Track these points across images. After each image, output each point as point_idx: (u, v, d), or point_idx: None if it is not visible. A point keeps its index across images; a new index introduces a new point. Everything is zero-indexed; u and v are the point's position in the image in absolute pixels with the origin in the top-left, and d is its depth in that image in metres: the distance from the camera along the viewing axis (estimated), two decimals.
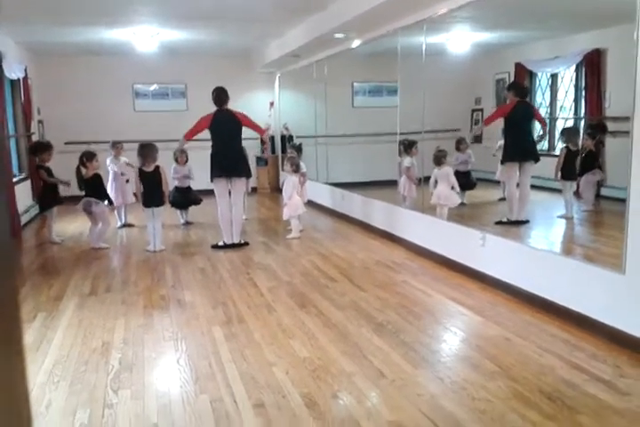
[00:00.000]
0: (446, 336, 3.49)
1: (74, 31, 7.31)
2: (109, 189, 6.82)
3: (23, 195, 7.57)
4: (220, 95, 5.84)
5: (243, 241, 6.06)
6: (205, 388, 2.83)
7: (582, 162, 5.67)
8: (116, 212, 7.26)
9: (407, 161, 6.29)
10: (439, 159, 5.79)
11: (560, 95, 7.20)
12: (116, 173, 7.09)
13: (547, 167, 5.73)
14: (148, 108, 10.10)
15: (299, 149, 7.15)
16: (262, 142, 7.78)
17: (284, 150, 10.05)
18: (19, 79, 7.90)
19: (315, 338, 3.43)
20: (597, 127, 5.98)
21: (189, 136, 5.84)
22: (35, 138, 8.44)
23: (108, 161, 7.16)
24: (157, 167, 5.94)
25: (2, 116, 6.53)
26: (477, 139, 7.26)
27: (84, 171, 6.09)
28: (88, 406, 2.69)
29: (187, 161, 7.29)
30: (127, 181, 7.13)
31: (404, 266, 5.12)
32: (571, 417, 2.48)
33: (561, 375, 2.86)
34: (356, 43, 6.87)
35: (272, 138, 10.66)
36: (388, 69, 6.44)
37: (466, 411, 2.54)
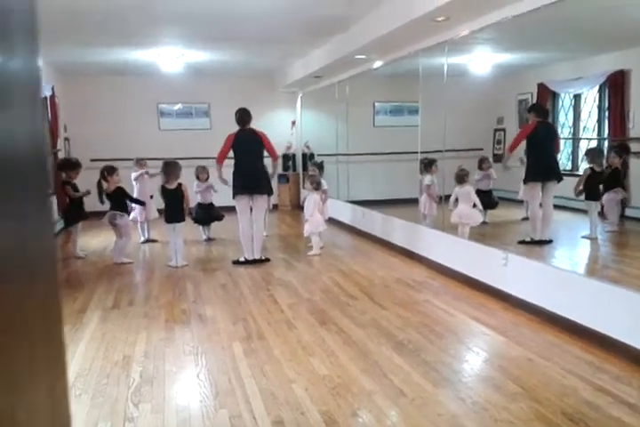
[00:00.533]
0: (468, 356, 3.46)
1: (100, 52, 7.50)
2: (134, 204, 6.93)
3: None
4: (243, 116, 5.95)
5: (263, 257, 6.10)
6: (225, 403, 2.84)
7: (606, 180, 5.63)
8: (139, 227, 7.36)
9: (427, 179, 6.30)
10: (461, 178, 5.80)
11: (583, 116, 7.18)
12: (142, 186, 7.23)
13: (570, 187, 5.71)
14: (173, 127, 10.27)
15: (320, 166, 7.20)
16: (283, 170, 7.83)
17: (305, 168, 10.13)
18: (46, 97, 8.10)
19: (334, 355, 3.43)
20: (621, 147, 5.95)
21: (221, 161, 5.95)
22: (61, 155, 8.61)
23: (133, 176, 7.28)
24: (180, 185, 6.05)
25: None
26: (499, 158, 7.26)
27: (105, 185, 6.21)
28: (109, 419, 2.72)
29: (207, 178, 7.39)
30: (151, 196, 7.24)
31: (425, 284, 5.10)
32: None
33: (584, 397, 2.82)
34: (377, 64, 6.95)
35: (293, 156, 10.77)
36: (410, 89, 6.49)
37: None
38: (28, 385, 0.60)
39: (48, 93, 8.11)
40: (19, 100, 0.62)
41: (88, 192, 6.40)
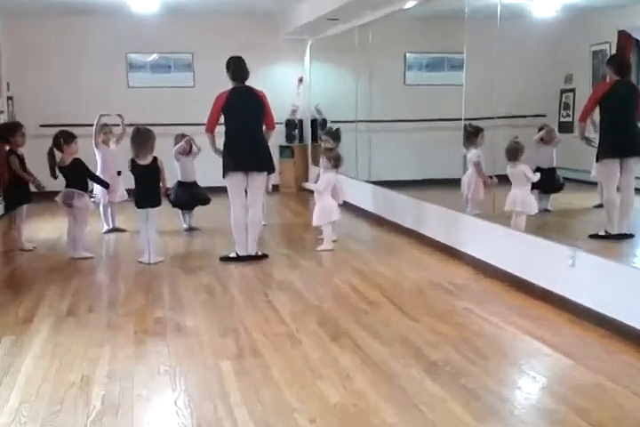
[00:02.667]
0: (521, 382, 3.46)
1: None
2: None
3: None
4: (240, 68, 5.89)
5: (260, 253, 6.11)
6: None
7: None
8: (102, 212, 7.39)
9: (474, 153, 6.25)
10: (515, 153, 5.73)
11: None
12: (106, 159, 7.17)
13: None
14: (146, 84, 10.27)
15: (336, 135, 7.11)
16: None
17: (314, 138, 10.09)
18: None
19: (349, 379, 3.44)
20: None
21: (211, 128, 5.92)
22: (2, 118, 8.63)
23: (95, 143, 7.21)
24: (155, 160, 6.04)
25: None
26: (567, 127, 7.17)
27: (59, 156, 6.21)
28: None
29: (190, 150, 7.34)
30: (119, 173, 7.25)
31: (468, 289, 5.09)
32: None
33: None
34: (410, 3, 6.88)
35: (300, 122, 10.73)
36: (452, 37, 6.44)
37: None
38: None
39: None
40: None
41: (42, 187, 6.32)
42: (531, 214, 5.63)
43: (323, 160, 6.63)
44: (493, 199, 5.85)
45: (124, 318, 4.51)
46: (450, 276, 5.48)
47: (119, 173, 7.25)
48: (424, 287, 5.17)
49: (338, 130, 7.27)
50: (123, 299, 4.98)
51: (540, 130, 6.73)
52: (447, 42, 7.36)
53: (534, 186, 5.75)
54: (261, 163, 6.02)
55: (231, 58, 5.99)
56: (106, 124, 7.42)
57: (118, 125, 7.49)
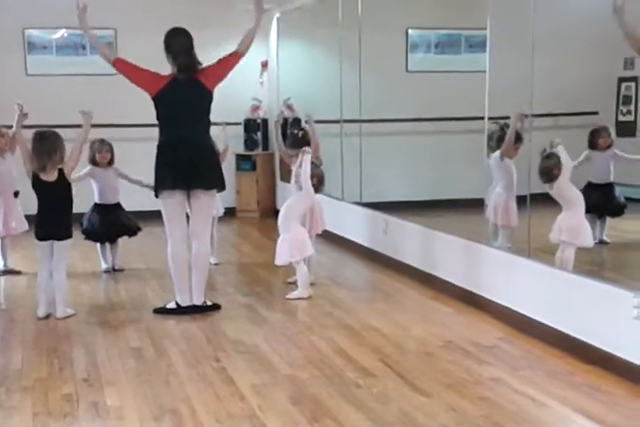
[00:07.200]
0: None
1: None
2: None
3: None
4: (186, 54, 5.87)
5: (209, 302, 6.11)
6: None
7: None
8: None
9: (497, 159, 6.29)
10: (549, 173, 5.73)
11: None
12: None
13: None
14: (51, 71, 10.27)
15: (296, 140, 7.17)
16: None
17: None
18: None
19: None
20: None
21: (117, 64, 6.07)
22: None
23: None
24: (62, 173, 5.99)
25: None
26: (626, 128, 7.23)
27: None
28: None
29: (111, 160, 7.35)
30: (16, 194, 7.21)
31: (497, 352, 5.10)
32: None
33: None
34: None
35: (264, 123, 10.76)
36: (470, 7, 6.49)
37: None
38: None
39: None
40: None
41: None
42: (583, 247, 5.63)
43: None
44: (529, 226, 5.86)
45: (20, 395, 4.46)
46: (472, 333, 5.49)
47: (16, 193, 7.21)
48: (436, 349, 5.16)
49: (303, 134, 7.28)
50: (17, 369, 4.92)
51: (593, 133, 6.77)
52: (464, 14, 7.43)
53: (589, 209, 5.75)
54: (207, 177, 6.02)
55: (172, 31, 6.01)
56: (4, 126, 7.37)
57: (11, 127, 7.39)
